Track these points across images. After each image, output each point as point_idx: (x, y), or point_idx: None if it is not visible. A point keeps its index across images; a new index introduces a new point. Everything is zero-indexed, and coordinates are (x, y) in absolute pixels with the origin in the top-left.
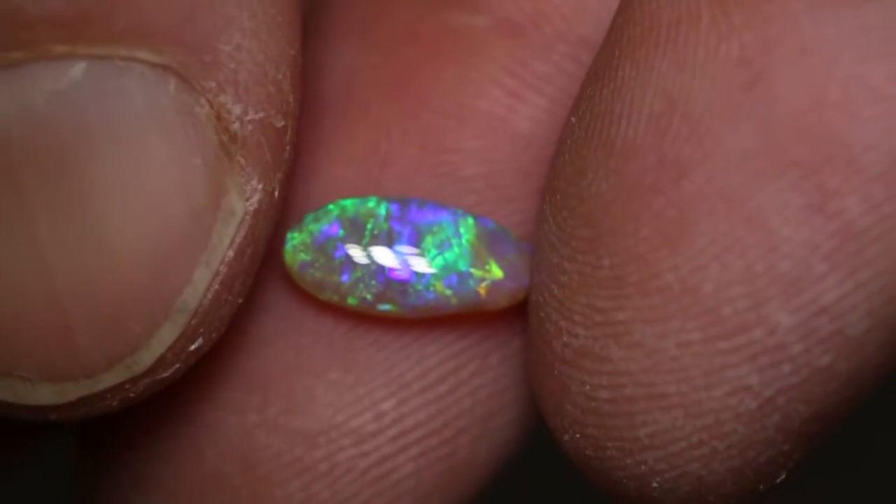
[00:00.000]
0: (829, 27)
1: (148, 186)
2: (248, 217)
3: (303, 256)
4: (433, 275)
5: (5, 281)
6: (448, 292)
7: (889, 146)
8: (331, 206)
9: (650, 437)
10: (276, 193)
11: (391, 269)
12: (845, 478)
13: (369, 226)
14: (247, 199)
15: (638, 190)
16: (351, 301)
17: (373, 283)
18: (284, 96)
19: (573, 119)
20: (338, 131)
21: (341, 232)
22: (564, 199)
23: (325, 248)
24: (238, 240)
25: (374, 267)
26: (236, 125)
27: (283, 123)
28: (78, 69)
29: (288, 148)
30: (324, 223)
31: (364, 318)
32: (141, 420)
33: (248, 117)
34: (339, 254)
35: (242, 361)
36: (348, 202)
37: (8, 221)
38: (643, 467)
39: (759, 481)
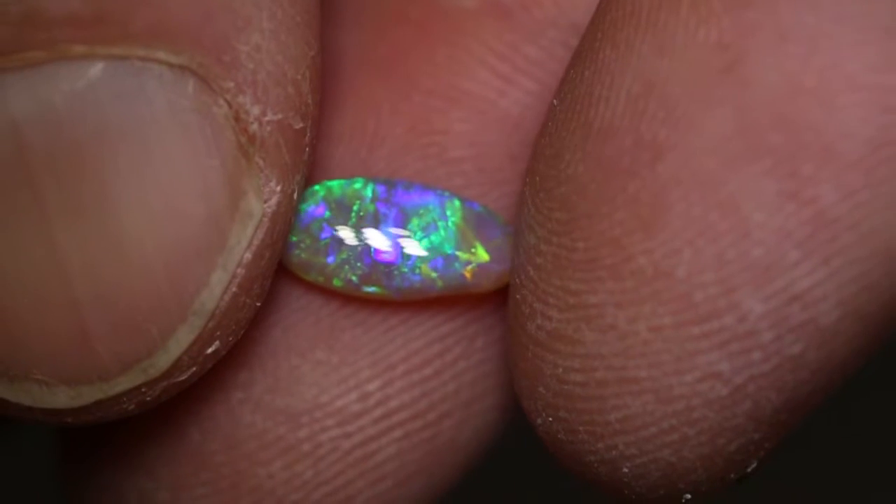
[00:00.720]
0: (807, 15)
1: (165, 188)
2: (265, 219)
3: (289, 238)
4: (419, 257)
5: (22, 283)
6: (433, 275)
7: (864, 135)
8: (317, 187)
9: (621, 422)
10: (295, 195)
11: (377, 251)
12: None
13: (355, 207)
14: (265, 201)
15: (614, 172)
16: (336, 283)
17: (358, 264)
18: (303, 97)
19: (555, 101)
20: (326, 110)
21: (327, 213)
22: (543, 180)
23: (310, 229)
24: (256, 242)
25: (360, 248)
26: (255, 126)
27: (301, 125)
28: (96, 69)
29: (307, 149)
30: (310, 204)
31: (351, 298)
32: None
33: (267, 118)
34: (324, 235)
35: None
36: (334, 183)
37: (25, 222)
38: (614, 452)
39: (730, 469)
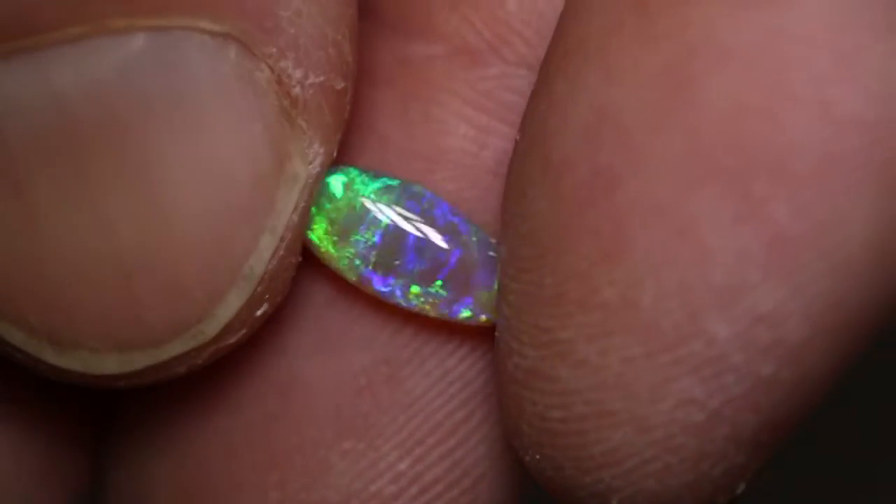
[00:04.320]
0: (746, 32)
1: (211, 154)
2: (310, 181)
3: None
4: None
5: (72, 253)
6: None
7: (813, 151)
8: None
9: (604, 455)
10: (335, 153)
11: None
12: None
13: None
14: (309, 163)
15: (574, 205)
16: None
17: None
18: (344, 57)
19: (517, 137)
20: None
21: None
22: (511, 218)
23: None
24: (301, 204)
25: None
26: (297, 89)
27: (343, 85)
28: (138, 41)
29: (347, 107)
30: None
31: (365, 385)
32: None
33: (309, 81)
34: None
35: (250, 438)
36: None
37: (75, 193)
38: (601, 485)
39: (718, 493)
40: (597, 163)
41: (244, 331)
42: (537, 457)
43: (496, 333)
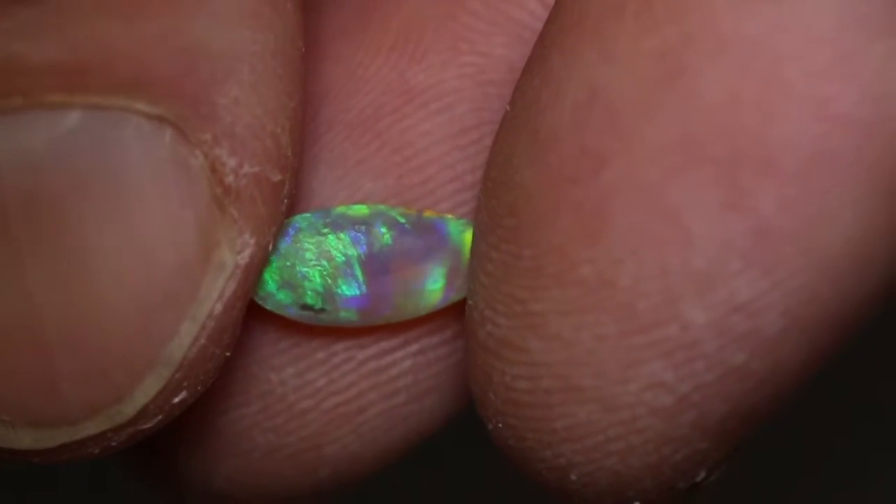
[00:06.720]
0: (747, 24)
1: (138, 236)
2: (238, 270)
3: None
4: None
5: None
6: None
7: (804, 147)
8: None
9: (567, 430)
10: (270, 247)
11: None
12: None
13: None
14: (238, 253)
15: (559, 180)
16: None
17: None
18: (282, 150)
19: (508, 107)
20: (371, 18)
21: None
22: (494, 186)
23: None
24: (227, 293)
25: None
26: (230, 178)
27: (279, 177)
28: (74, 117)
29: (285, 201)
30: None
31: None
32: None
33: (244, 170)
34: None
35: None
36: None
37: None
38: (562, 459)
39: (678, 478)
40: (585, 141)
41: (161, 416)
42: (500, 425)
43: (468, 301)
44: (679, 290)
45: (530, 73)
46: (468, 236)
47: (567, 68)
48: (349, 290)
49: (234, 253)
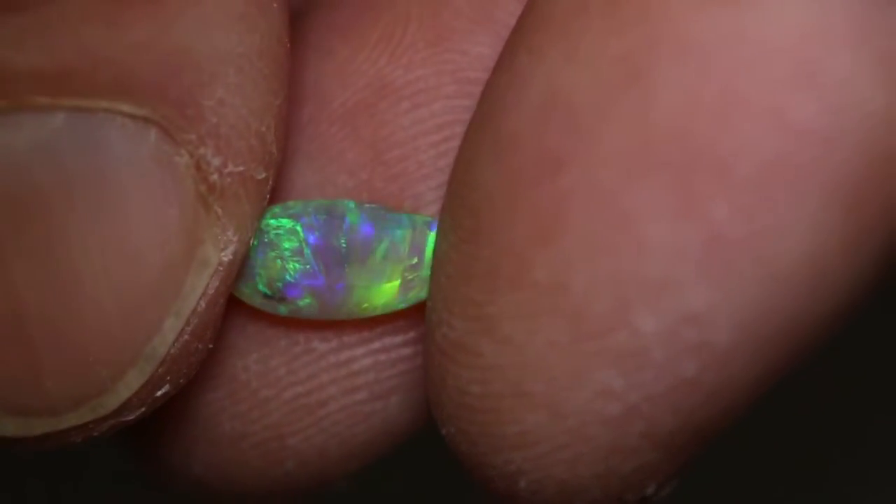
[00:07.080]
0: (708, 31)
1: (123, 234)
2: (221, 268)
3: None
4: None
5: None
6: None
7: (758, 156)
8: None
9: (517, 436)
10: (251, 242)
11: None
12: None
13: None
14: (222, 250)
15: (518, 182)
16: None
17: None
18: (267, 147)
19: (475, 106)
20: (363, 15)
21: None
22: (458, 186)
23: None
24: (210, 290)
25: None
26: (215, 176)
27: (263, 175)
28: (59, 119)
29: (267, 197)
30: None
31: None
32: None
33: (228, 169)
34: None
35: None
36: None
37: None
38: (511, 466)
39: (626, 490)
40: (545, 143)
41: (143, 409)
42: (453, 430)
43: (427, 303)
44: (630, 297)
45: (499, 71)
46: (432, 236)
47: (532, 68)
48: (306, 280)
49: (218, 250)
